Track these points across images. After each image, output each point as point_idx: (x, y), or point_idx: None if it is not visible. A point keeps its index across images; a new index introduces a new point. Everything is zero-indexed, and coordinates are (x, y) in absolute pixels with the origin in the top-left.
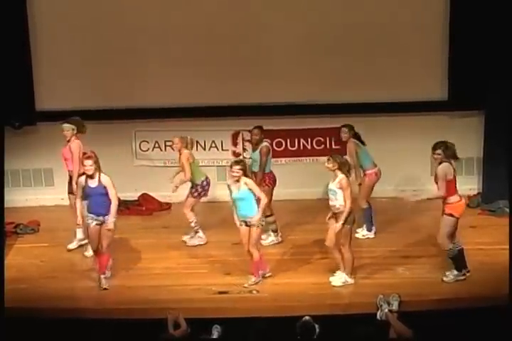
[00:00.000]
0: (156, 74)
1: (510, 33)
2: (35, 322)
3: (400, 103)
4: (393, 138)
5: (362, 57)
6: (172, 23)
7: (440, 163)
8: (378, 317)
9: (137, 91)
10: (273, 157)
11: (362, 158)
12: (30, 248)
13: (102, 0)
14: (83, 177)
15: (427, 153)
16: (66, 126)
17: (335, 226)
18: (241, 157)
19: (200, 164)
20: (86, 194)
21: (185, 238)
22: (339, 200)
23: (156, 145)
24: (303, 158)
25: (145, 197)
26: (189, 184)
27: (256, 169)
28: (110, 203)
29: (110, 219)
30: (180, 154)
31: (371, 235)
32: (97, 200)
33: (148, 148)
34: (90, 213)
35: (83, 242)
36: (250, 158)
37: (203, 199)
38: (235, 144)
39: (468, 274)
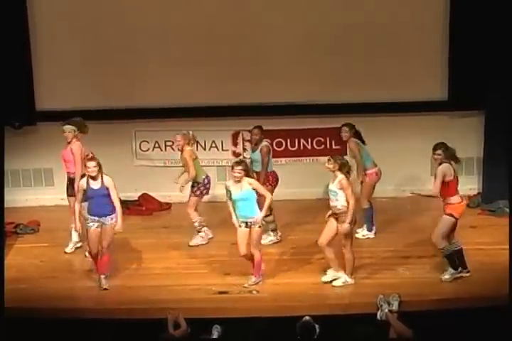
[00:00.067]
0: (156, 74)
1: (510, 33)
2: (35, 322)
3: (400, 103)
4: (393, 138)
5: (362, 57)
6: (172, 23)
7: (440, 164)
8: (378, 317)
9: (137, 91)
10: (273, 157)
11: (363, 157)
12: (30, 248)
13: (102, 0)
14: (84, 180)
15: (427, 153)
16: (67, 127)
17: (342, 227)
18: (241, 157)
19: (200, 164)
20: (87, 196)
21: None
22: (340, 201)
23: (156, 145)
24: (303, 158)
25: (145, 197)
26: (189, 183)
27: (257, 169)
28: (112, 204)
29: (119, 221)
30: (182, 152)
31: (371, 235)
32: (99, 202)
33: (148, 148)
34: (91, 215)
35: (79, 245)
36: (250, 158)
37: (204, 198)
38: (235, 144)
39: (468, 274)
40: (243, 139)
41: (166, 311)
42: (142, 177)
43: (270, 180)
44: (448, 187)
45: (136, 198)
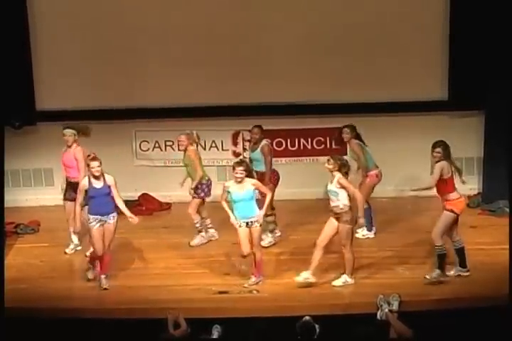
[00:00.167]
0: (156, 74)
1: (510, 33)
2: (35, 322)
3: (400, 103)
4: (393, 138)
5: (362, 57)
6: (172, 23)
7: (438, 162)
8: (378, 317)
9: (137, 91)
10: (273, 157)
11: (367, 158)
12: (30, 248)
13: (102, 0)
14: (86, 179)
15: (427, 153)
16: (67, 131)
17: (359, 222)
18: (241, 157)
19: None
20: (89, 195)
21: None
22: (341, 200)
23: (156, 145)
24: (303, 158)
25: (145, 197)
26: (189, 183)
27: (257, 168)
28: (113, 202)
29: (128, 214)
30: (185, 152)
31: (371, 235)
32: (101, 201)
33: (149, 148)
34: (93, 215)
35: (79, 248)
36: (249, 157)
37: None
38: (235, 144)
39: (468, 273)
40: (243, 139)
41: (166, 311)
42: (142, 177)
43: (272, 179)
44: (446, 185)
45: (137, 198)
